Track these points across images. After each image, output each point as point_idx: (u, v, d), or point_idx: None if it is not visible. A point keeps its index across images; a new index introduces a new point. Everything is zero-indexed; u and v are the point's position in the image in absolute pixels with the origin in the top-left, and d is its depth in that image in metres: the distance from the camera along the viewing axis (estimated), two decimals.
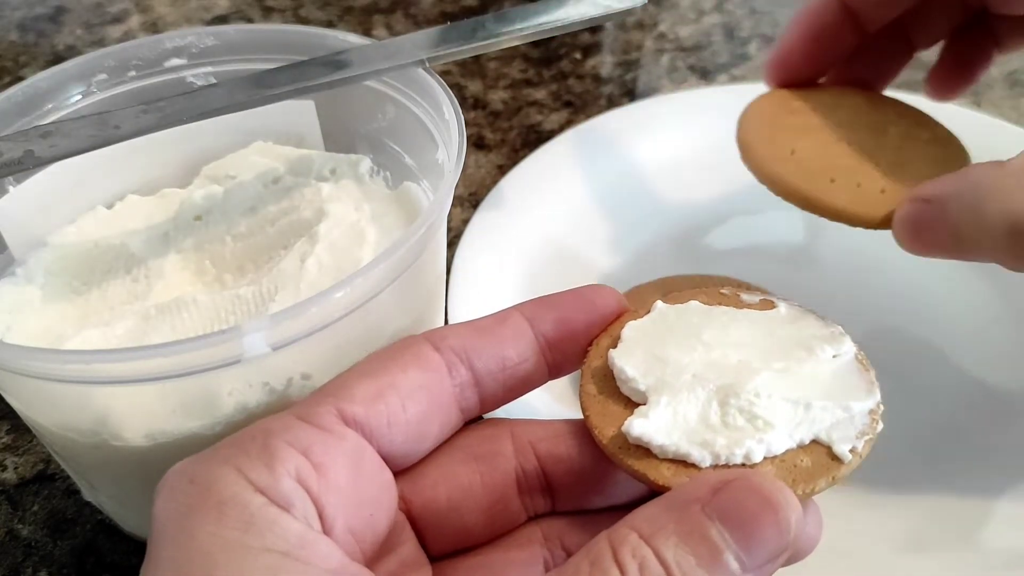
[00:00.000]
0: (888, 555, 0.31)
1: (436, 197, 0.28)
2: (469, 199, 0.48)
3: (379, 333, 0.28)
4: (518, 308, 0.26)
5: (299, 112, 0.37)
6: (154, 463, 0.26)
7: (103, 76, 0.34)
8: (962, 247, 0.27)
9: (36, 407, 0.28)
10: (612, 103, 0.55)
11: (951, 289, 0.41)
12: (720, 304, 0.26)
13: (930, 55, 0.38)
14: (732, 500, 0.20)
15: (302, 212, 0.33)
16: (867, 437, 0.23)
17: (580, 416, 0.25)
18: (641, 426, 0.22)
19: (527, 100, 0.56)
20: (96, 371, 0.24)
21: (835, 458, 0.22)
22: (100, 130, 0.28)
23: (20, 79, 0.34)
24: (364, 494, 0.22)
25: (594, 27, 0.62)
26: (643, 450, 0.23)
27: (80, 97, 0.34)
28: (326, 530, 0.21)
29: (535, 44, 0.60)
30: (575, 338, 0.26)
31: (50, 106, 0.33)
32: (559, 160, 0.46)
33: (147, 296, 0.31)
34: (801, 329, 0.25)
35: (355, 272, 0.25)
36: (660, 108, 0.50)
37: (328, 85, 0.31)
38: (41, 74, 0.33)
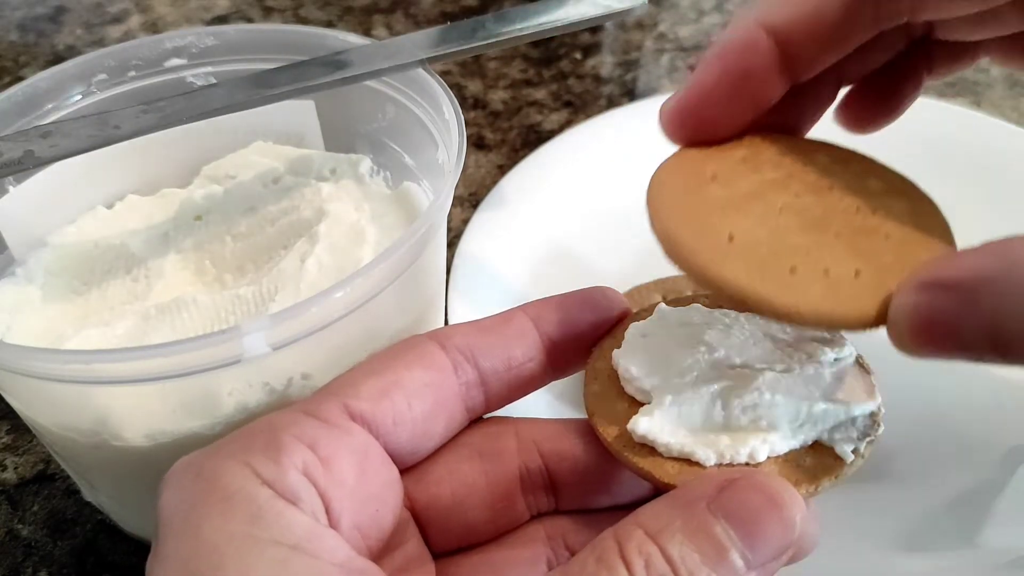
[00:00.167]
0: (888, 555, 0.31)
1: (436, 197, 0.28)
2: (469, 199, 0.48)
3: (379, 333, 0.28)
4: (522, 308, 0.26)
5: (299, 112, 0.37)
6: (154, 463, 0.26)
7: (103, 76, 0.34)
8: (1001, 349, 0.19)
9: (36, 407, 0.28)
10: (612, 103, 0.55)
11: None
12: (722, 307, 0.26)
13: None
14: (737, 498, 0.20)
15: (302, 212, 0.33)
16: (869, 439, 0.23)
17: (583, 415, 0.25)
18: (646, 424, 0.23)
19: (527, 100, 0.56)
20: (96, 371, 0.24)
21: (837, 458, 0.22)
22: (100, 130, 0.28)
23: (20, 79, 0.34)
24: (370, 489, 0.22)
25: (594, 27, 0.62)
26: (648, 449, 0.23)
27: (80, 97, 0.34)
28: (332, 524, 0.21)
29: (535, 44, 0.60)
30: (579, 339, 0.26)
31: (50, 106, 0.33)
32: (559, 160, 0.46)
33: (147, 296, 0.31)
34: (802, 332, 0.25)
35: (355, 272, 0.25)
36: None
37: (328, 85, 0.31)
38: (41, 74, 0.33)
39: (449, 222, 0.44)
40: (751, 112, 0.25)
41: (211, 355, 0.24)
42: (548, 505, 0.25)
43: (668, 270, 0.23)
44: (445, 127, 0.31)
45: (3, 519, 0.34)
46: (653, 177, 0.24)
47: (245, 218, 0.34)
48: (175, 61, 0.35)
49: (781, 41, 0.24)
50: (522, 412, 0.26)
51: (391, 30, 0.63)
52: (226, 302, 0.29)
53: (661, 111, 0.26)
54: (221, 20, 0.65)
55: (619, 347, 0.25)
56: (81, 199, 0.35)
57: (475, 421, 0.26)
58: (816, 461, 0.22)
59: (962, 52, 0.28)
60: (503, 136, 0.53)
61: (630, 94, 0.56)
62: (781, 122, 0.26)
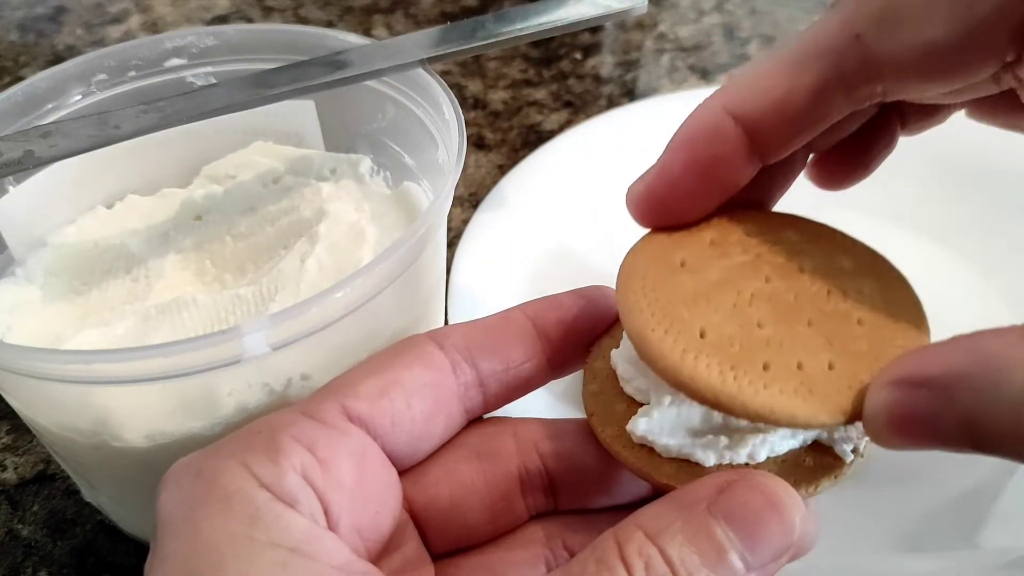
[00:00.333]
0: (888, 555, 0.31)
1: (436, 197, 0.28)
2: (469, 199, 0.48)
3: (379, 333, 0.28)
4: (521, 308, 0.26)
5: (299, 112, 0.37)
6: (154, 463, 0.26)
7: (103, 76, 0.34)
8: (979, 444, 0.19)
9: (36, 407, 0.28)
10: (612, 103, 0.55)
11: (950, 289, 0.41)
12: None
13: None
14: (737, 499, 0.20)
15: (302, 212, 0.33)
16: (868, 439, 0.23)
17: (582, 415, 0.25)
18: (645, 425, 0.22)
19: (527, 100, 0.56)
20: (96, 371, 0.24)
21: (837, 458, 0.22)
22: (100, 130, 0.28)
23: (20, 79, 0.34)
24: (369, 491, 0.22)
25: (594, 27, 0.62)
26: (647, 449, 0.23)
27: (80, 97, 0.34)
28: (331, 526, 0.21)
29: (535, 44, 0.60)
30: (578, 338, 0.26)
31: (50, 106, 0.33)
32: (559, 160, 0.46)
33: (147, 296, 0.31)
34: None
35: (355, 272, 0.25)
36: (660, 108, 0.49)
37: (328, 85, 0.31)
38: (41, 74, 0.33)
39: (449, 222, 0.44)
40: (720, 198, 0.25)
41: (211, 355, 0.24)
42: (547, 505, 0.25)
43: None
44: (445, 127, 0.31)
45: (3, 519, 0.34)
46: (622, 266, 0.24)
47: (245, 218, 0.34)
48: (175, 61, 0.35)
49: (749, 128, 0.24)
50: (520, 412, 0.26)
51: (391, 30, 0.63)
52: (226, 302, 0.29)
53: (628, 195, 0.25)
54: (221, 20, 0.65)
55: (618, 347, 0.25)
56: (81, 199, 0.35)
57: (473, 421, 0.26)
58: (816, 461, 0.22)
59: (937, 110, 0.27)
60: (503, 136, 0.53)
61: (630, 94, 0.56)
62: (749, 196, 0.25)
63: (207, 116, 0.30)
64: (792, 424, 0.20)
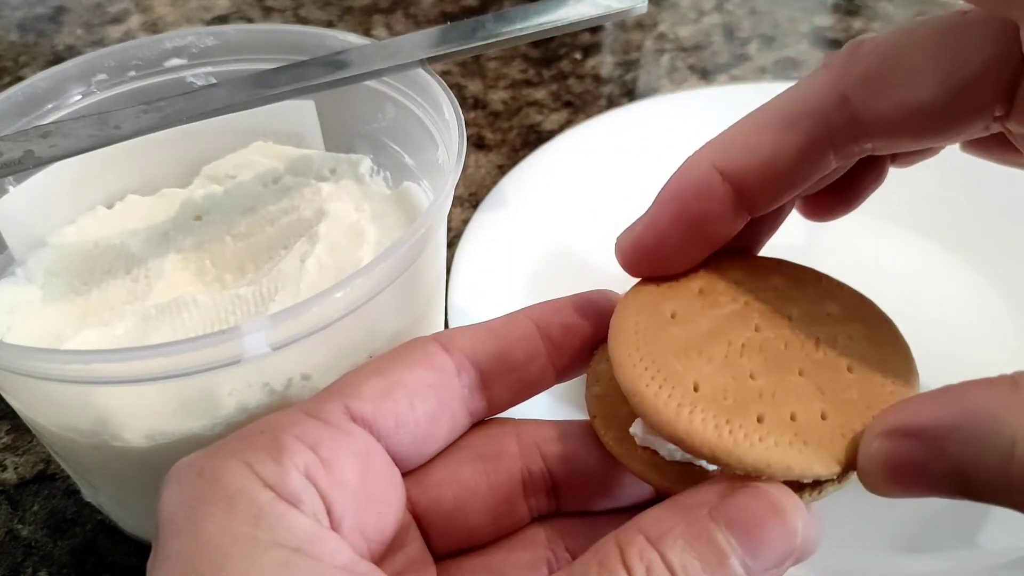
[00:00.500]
0: (888, 555, 0.31)
1: (436, 197, 0.28)
2: (469, 199, 0.48)
3: (379, 333, 0.28)
4: (526, 311, 0.26)
5: (299, 112, 0.37)
6: (154, 463, 0.26)
7: (103, 76, 0.34)
8: (969, 492, 0.20)
9: (36, 407, 0.28)
10: (612, 103, 0.55)
11: (951, 289, 0.41)
12: None
13: None
14: (739, 505, 0.20)
15: (302, 212, 0.33)
16: None
17: (583, 417, 0.25)
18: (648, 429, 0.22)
19: (527, 100, 0.56)
20: (96, 371, 0.24)
21: None
22: (100, 130, 0.28)
23: (20, 79, 0.34)
24: (372, 492, 0.22)
25: (594, 27, 0.62)
26: (650, 452, 0.23)
27: (80, 97, 0.34)
28: (334, 526, 0.21)
29: (535, 44, 0.60)
30: (582, 342, 0.26)
31: (50, 106, 0.33)
32: (559, 160, 0.46)
33: (147, 296, 0.31)
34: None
35: (355, 272, 0.25)
36: (660, 108, 0.50)
37: (328, 85, 0.31)
38: (41, 74, 0.33)
39: (449, 222, 0.44)
40: (708, 250, 0.25)
41: (211, 355, 0.24)
42: (549, 507, 0.25)
43: None
44: (445, 127, 0.31)
45: (3, 519, 0.34)
46: (613, 318, 0.24)
47: (245, 218, 0.34)
48: (175, 61, 0.35)
49: (736, 185, 0.24)
50: (521, 413, 0.26)
51: (391, 30, 0.63)
52: (226, 302, 0.29)
53: (617, 244, 0.26)
54: (221, 20, 0.65)
55: None
56: (81, 199, 0.35)
57: (477, 423, 0.26)
58: None
59: (929, 149, 0.27)
60: (503, 136, 0.53)
61: (630, 94, 0.56)
62: (736, 241, 0.26)
63: (207, 116, 0.30)
64: (788, 476, 0.21)
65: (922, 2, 0.64)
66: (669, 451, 0.22)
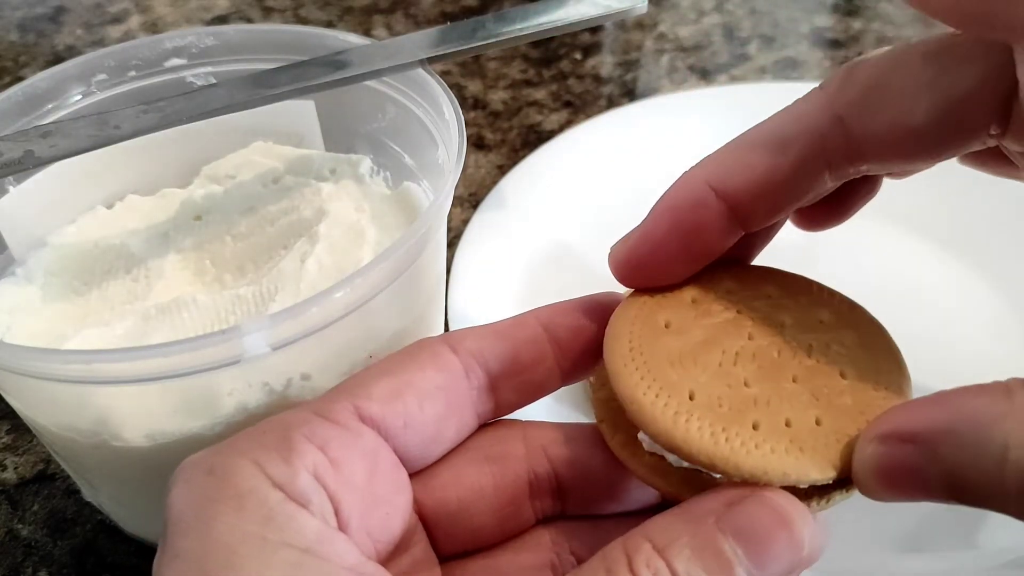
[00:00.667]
0: (888, 555, 0.31)
1: (436, 197, 0.28)
2: (469, 199, 0.48)
3: (379, 333, 0.28)
4: (534, 313, 0.26)
5: (299, 112, 0.37)
6: (154, 463, 0.26)
7: (103, 76, 0.34)
8: (963, 497, 0.20)
9: (36, 407, 0.28)
10: (612, 103, 0.55)
11: (951, 288, 0.41)
12: None
13: None
14: (746, 515, 0.20)
15: (302, 212, 0.33)
16: None
17: (582, 417, 0.25)
18: None
19: (527, 100, 0.56)
20: (96, 371, 0.24)
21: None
22: (100, 130, 0.28)
23: (20, 79, 0.34)
24: (380, 493, 0.22)
25: (594, 27, 0.62)
26: (657, 458, 0.23)
27: (80, 97, 0.34)
28: (342, 527, 0.21)
29: (535, 44, 0.60)
30: (589, 344, 0.25)
31: (50, 106, 0.33)
32: (559, 160, 0.46)
33: (147, 296, 0.31)
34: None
35: (355, 272, 0.25)
36: (660, 108, 0.50)
37: (328, 85, 0.31)
38: (41, 74, 0.33)
39: (449, 222, 0.44)
40: (701, 263, 0.25)
41: (211, 355, 0.24)
42: (554, 510, 0.25)
43: None
44: (445, 127, 0.31)
45: (3, 519, 0.34)
46: (608, 328, 0.25)
47: (245, 218, 0.34)
48: (175, 61, 0.35)
49: (730, 203, 0.24)
50: (520, 413, 0.26)
51: (391, 30, 0.63)
52: (226, 302, 0.29)
53: (611, 255, 0.26)
54: (221, 20, 0.65)
55: None
56: (81, 199, 0.35)
57: (484, 424, 0.26)
58: None
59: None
60: (503, 136, 0.53)
61: (630, 94, 0.56)
62: (729, 252, 0.26)
63: (207, 116, 0.30)
64: (785, 483, 0.21)
65: None
66: (676, 457, 0.22)
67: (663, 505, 0.21)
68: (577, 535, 0.25)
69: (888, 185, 0.29)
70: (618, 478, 0.25)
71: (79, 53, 0.52)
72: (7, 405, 0.29)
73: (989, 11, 0.20)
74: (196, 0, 0.67)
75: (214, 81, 0.35)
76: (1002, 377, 0.21)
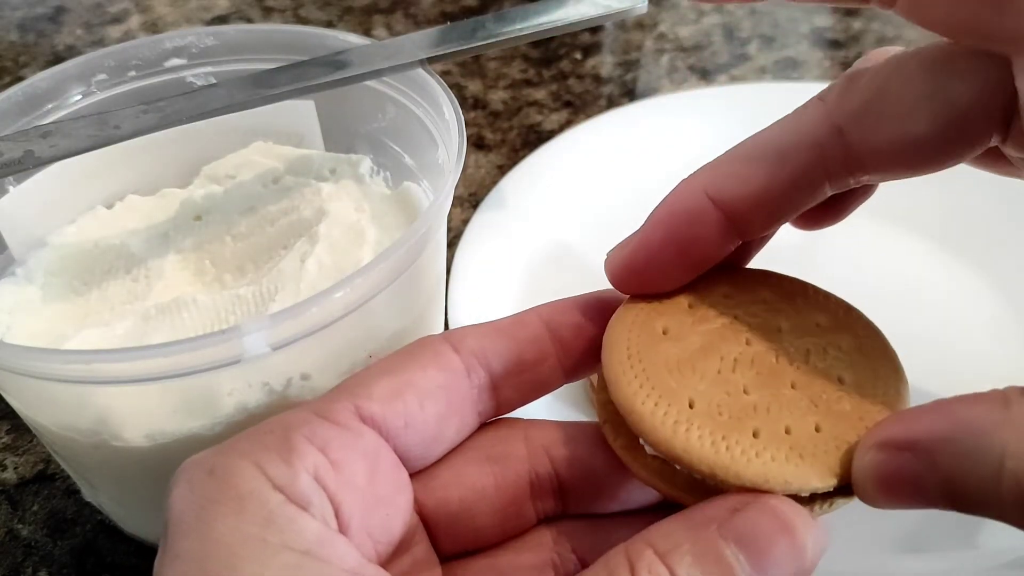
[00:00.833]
0: (888, 555, 0.31)
1: (436, 197, 0.28)
2: (469, 199, 0.48)
3: (379, 333, 0.28)
4: (535, 311, 0.26)
5: (299, 112, 0.37)
6: (154, 463, 0.26)
7: (103, 76, 0.34)
8: (961, 505, 0.20)
9: (36, 407, 0.28)
10: (612, 103, 0.55)
11: (952, 289, 0.41)
12: None
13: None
14: (749, 522, 0.20)
15: (302, 212, 0.33)
16: None
17: (580, 415, 0.25)
18: None
19: (527, 100, 0.56)
20: (96, 371, 0.24)
21: None
22: (100, 130, 0.28)
23: (20, 79, 0.34)
24: (380, 493, 0.22)
25: (594, 27, 0.62)
26: (660, 461, 0.23)
27: (80, 97, 0.34)
28: (342, 529, 0.21)
29: (535, 44, 0.60)
30: (591, 342, 0.25)
31: (50, 106, 0.33)
32: (559, 160, 0.46)
33: (147, 296, 0.31)
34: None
35: (355, 272, 0.25)
36: (660, 108, 0.50)
37: (328, 85, 0.31)
38: (41, 74, 0.33)
39: (449, 222, 0.44)
40: (698, 271, 0.25)
41: (211, 355, 0.24)
42: (556, 509, 0.25)
43: None
44: (445, 127, 0.31)
45: (3, 519, 0.34)
46: (606, 335, 0.24)
47: (245, 218, 0.34)
48: (175, 61, 0.35)
49: (729, 213, 0.24)
50: (521, 412, 0.26)
51: (391, 30, 0.63)
52: (226, 302, 0.29)
53: (607, 263, 0.26)
54: (221, 20, 0.65)
55: None
56: (81, 199, 0.35)
57: (485, 423, 0.26)
58: None
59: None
60: (503, 136, 0.53)
61: (630, 94, 0.56)
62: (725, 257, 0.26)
63: (207, 116, 0.30)
64: (787, 490, 0.21)
65: None
66: None
67: (664, 504, 0.21)
68: (578, 535, 0.25)
69: (886, 185, 0.29)
70: (619, 478, 0.24)
71: (79, 53, 0.52)
72: (7, 405, 0.29)
73: (984, 24, 0.20)
74: (196, 0, 0.67)
75: (214, 81, 0.35)
76: (1000, 378, 0.21)
